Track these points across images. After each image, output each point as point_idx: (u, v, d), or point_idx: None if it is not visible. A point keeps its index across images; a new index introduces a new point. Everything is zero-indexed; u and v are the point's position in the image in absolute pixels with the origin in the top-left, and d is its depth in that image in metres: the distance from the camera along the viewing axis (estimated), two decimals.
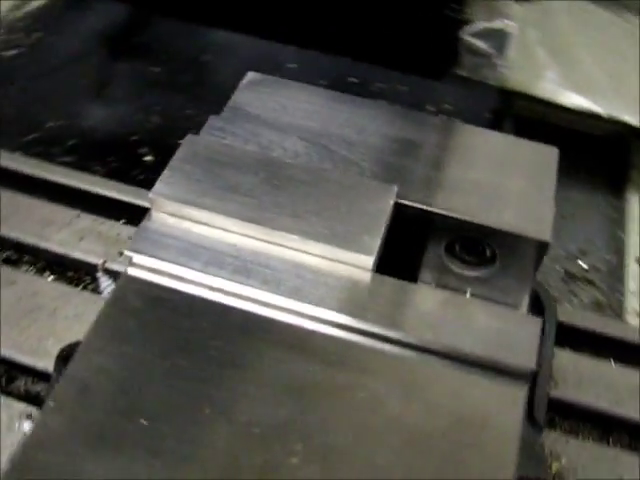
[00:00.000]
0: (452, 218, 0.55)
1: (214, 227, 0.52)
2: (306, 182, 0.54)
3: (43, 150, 0.98)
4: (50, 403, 0.45)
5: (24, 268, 0.76)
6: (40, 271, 0.76)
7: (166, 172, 0.54)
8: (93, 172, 0.95)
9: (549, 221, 0.55)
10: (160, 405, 0.45)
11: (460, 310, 0.50)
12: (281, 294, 0.50)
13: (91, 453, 0.43)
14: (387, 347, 0.49)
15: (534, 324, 0.50)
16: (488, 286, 0.57)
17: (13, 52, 1.08)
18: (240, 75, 0.66)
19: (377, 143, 0.59)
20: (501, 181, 0.58)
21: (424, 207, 0.55)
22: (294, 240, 0.51)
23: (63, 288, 0.73)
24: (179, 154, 0.55)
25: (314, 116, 0.61)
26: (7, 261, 0.76)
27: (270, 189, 0.53)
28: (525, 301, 0.57)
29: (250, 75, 0.64)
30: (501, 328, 0.50)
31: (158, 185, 0.53)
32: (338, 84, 1.06)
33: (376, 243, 0.51)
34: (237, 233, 0.52)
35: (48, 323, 0.68)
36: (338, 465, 0.43)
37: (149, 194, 0.53)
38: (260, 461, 0.43)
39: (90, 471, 0.42)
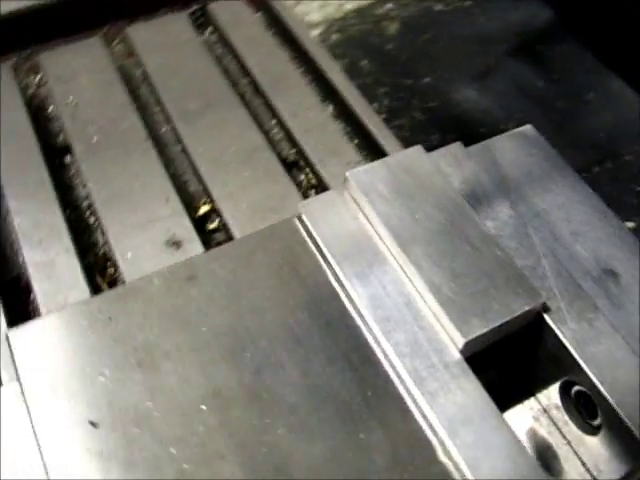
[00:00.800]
0: (577, 364, 0.52)
1: (374, 232, 0.56)
2: (474, 246, 0.55)
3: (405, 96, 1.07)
4: (162, 271, 0.55)
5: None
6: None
7: (375, 164, 0.58)
8: (429, 139, 1.01)
9: None
10: (210, 333, 0.53)
11: (500, 447, 0.49)
12: (374, 317, 0.52)
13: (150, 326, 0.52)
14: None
15: None
16: (582, 447, 0.54)
17: (440, 7, 1.16)
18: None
19: (576, 251, 0.57)
20: None
21: (558, 333, 0.52)
22: (420, 285, 0.53)
23: None
24: (399, 156, 0.59)
25: (548, 197, 0.60)
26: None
27: (439, 232, 0.55)
28: None
29: (528, 127, 0.64)
30: None
31: (360, 169, 0.58)
32: None
33: (479, 330, 0.51)
34: (386, 249, 0.55)
35: None
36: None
37: (347, 172, 0.58)
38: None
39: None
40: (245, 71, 0.92)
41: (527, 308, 0.52)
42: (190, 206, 0.82)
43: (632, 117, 1.02)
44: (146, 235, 0.76)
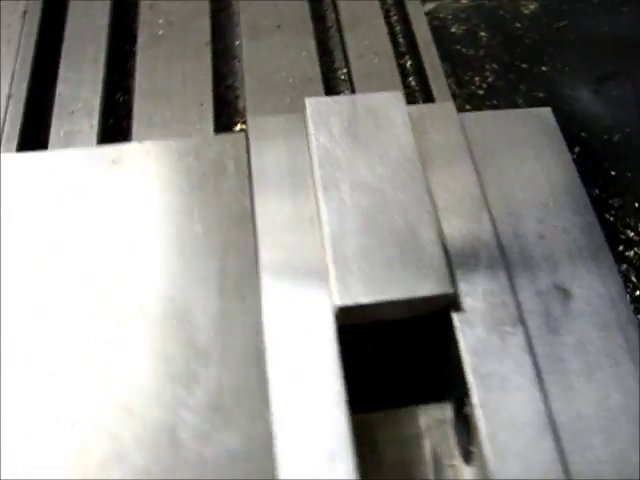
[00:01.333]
0: (465, 377, 0.44)
1: (309, 166, 0.50)
2: (403, 211, 0.47)
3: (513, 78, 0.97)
4: (93, 149, 0.53)
5: None
6: None
7: (341, 98, 0.52)
8: None
9: None
10: (101, 219, 0.50)
11: None
12: (268, 252, 0.47)
13: None
14: None
15: None
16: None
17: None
18: None
19: (532, 254, 0.48)
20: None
21: (458, 336, 0.44)
22: (325, 230, 0.47)
23: None
24: (371, 97, 0.52)
25: (528, 184, 0.51)
26: None
27: (371, 186, 0.48)
28: None
29: (546, 110, 0.54)
30: None
31: (322, 99, 0.52)
32: None
33: (360, 299, 0.44)
34: (312, 185, 0.50)
35: None
36: None
37: (307, 98, 0.52)
38: None
39: None
40: (334, 5, 0.87)
41: (427, 294, 0.44)
42: (230, 121, 0.79)
43: None
44: (166, 132, 0.74)
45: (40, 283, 0.46)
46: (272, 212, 0.48)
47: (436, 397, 0.50)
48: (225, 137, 0.53)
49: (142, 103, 0.76)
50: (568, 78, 0.97)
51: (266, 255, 0.46)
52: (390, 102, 0.51)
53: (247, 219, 0.49)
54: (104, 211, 0.49)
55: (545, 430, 0.41)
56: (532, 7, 1.05)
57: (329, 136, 0.49)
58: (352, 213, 0.46)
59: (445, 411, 0.49)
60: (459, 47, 0.97)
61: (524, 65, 0.98)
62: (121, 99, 0.81)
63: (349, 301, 0.44)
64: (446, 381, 0.48)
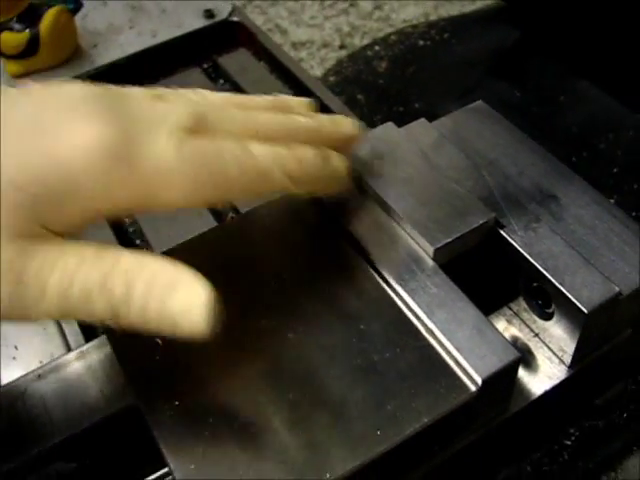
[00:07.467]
0: (526, 259, 0.66)
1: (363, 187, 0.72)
2: (438, 185, 0.70)
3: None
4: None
5: None
6: None
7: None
8: None
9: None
10: None
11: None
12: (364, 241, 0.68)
13: None
14: None
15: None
16: (548, 337, 0.68)
17: (422, 43, 1.34)
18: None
19: (522, 184, 0.72)
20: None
21: (510, 241, 0.67)
22: (396, 211, 0.69)
23: None
24: (375, 131, 0.75)
25: (498, 148, 0.75)
26: None
27: (408, 179, 0.71)
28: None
29: (479, 103, 0.80)
30: None
31: None
32: None
33: (444, 240, 0.66)
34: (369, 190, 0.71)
35: None
36: None
37: None
38: None
39: None
40: None
41: (481, 222, 0.67)
42: None
43: (600, 111, 1.18)
44: None
45: None
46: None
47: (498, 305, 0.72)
48: None
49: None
50: (437, 105, 1.25)
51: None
52: (390, 129, 0.75)
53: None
54: None
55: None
56: (384, 64, 1.34)
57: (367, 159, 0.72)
58: (407, 197, 0.69)
59: (511, 309, 0.72)
60: None
61: (401, 108, 1.26)
62: None
63: (438, 244, 0.66)
64: (502, 287, 0.71)
